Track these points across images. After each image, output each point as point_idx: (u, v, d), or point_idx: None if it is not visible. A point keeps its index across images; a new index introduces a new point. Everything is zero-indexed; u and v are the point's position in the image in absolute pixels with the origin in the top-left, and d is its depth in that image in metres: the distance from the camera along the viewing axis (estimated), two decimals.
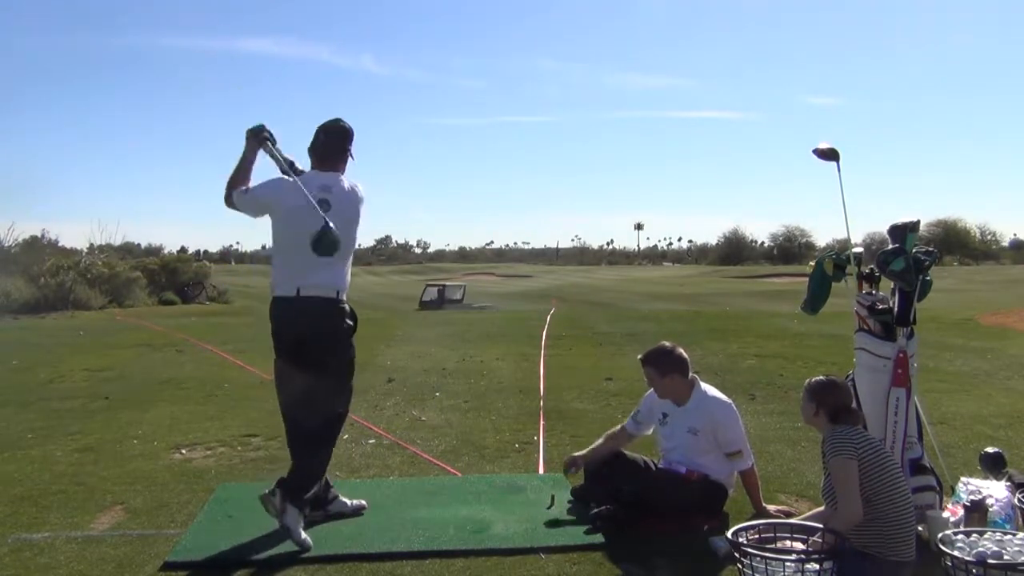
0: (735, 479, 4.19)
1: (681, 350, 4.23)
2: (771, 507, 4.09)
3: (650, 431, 4.42)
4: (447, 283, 36.34)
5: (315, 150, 3.98)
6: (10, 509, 4.31)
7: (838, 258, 4.06)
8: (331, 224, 3.69)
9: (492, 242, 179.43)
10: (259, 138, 3.93)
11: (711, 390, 4.25)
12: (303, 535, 3.65)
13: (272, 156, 3.93)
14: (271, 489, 3.70)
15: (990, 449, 4.23)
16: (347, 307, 3.91)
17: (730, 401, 4.25)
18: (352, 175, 4.03)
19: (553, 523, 4.00)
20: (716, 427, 4.09)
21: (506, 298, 35.79)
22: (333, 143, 3.98)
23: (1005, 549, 2.95)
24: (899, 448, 3.70)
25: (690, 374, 4.22)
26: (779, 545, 3.10)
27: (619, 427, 4.51)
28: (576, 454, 4.47)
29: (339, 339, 3.89)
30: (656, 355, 4.21)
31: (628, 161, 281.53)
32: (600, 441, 4.49)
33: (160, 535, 3.89)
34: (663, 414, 4.28)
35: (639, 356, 4.30)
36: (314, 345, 3.81)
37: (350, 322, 3.92)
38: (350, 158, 4.03)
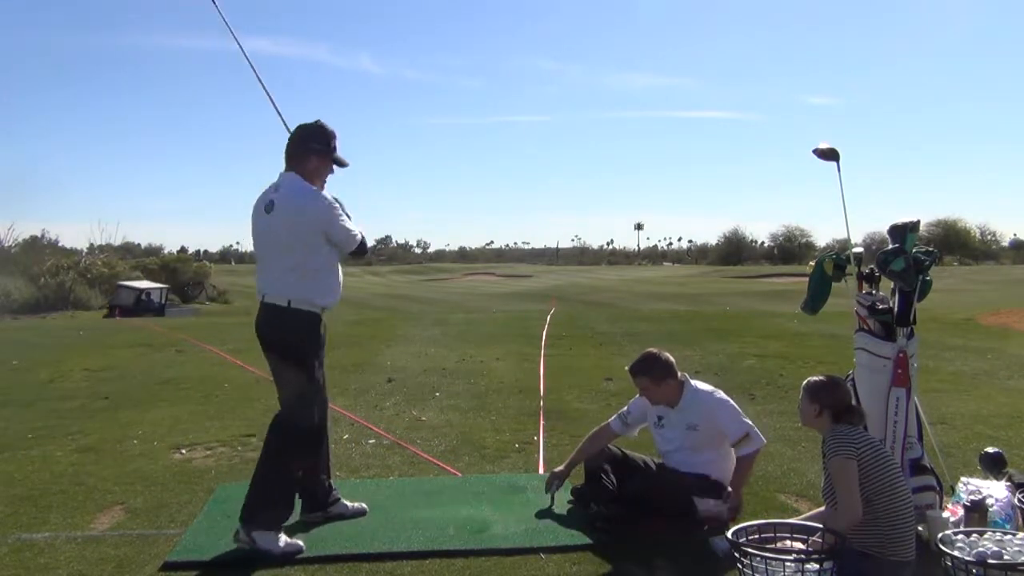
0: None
1: (667, 354, 4.21)
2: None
3: (636, 433, 4.42)
4: (145, 285, 29.89)
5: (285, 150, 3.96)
6: (10, 509, 4.31)
7: (838, 258, 4.05)
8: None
9: (492, 242, 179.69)
10: None
11: (700, 384, 4.26)
12: (283, 546, 3.61)
13: None
14: (238, 527, 3.66)
15: (990, 449, 4.22)
16: (304, 315, 3.75)
17: (717, 390, 4.24)
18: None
19: (553, 523, 4.00)
20: (715, 417, 4.09)
21: (506, 298, 35.76)
22: (297, 141, 3.89)
23: (1005, 549, 2.95)
24: (899, 448, 3.69)
25: (680, 374, 4.22)
26: (779, 545, 3.10)
27: (602, 426, 4.47)
28: (557, 469, 4.38)
29: (287, 349, 3.79)
30: (646, 363, 4.17)
31: (628, 161, 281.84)
32: (582, 444, 4.45)
33: (160, 535, 3.89)
34: (658, 417, 4.26)
35: (627, 368, 4.26)
36: (271, 351, 3.85)
37: (302, 331, 3.77)
38: (336, 166, 3.93)
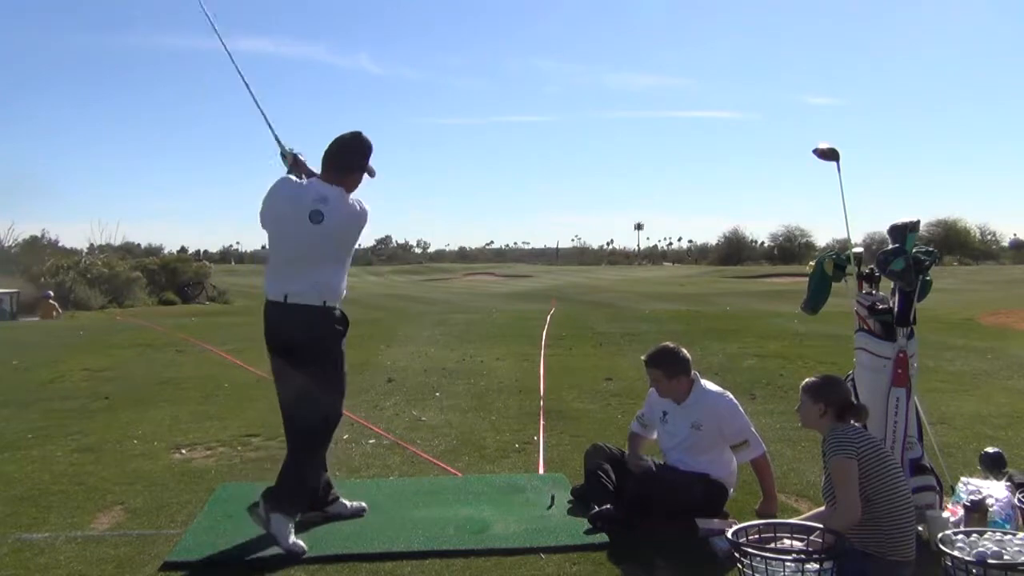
0: (736, 479, 4.20)
1: (684, 350, 4.23)
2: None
3: (655, 435, 4.42)
4: None
5: (325, 158, 3.93)
6: (10, 509, 4.31)
7: (838, 258, 4.06)
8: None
9: (492, 242, 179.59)
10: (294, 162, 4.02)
11: (709, 385, 4.26)
12: (291, 540, 3.63)
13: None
14: (258, 500, 3.71)
15: (990, 449, 4.23)
16: (336, 313, 3.89)
17: (727, 392, 4.25)
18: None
19: (553, 523, 4.00)
20: (720, 420, 4.09)
21: (506, 298, 35.76)
22: (344, 156, 3.91)
23: (1005, 549, 2.95)
24: (899, 448, 3.70)
25: (692, 371, 4.22)
26: (779, 545, 3.10)
27: (630, 434, 4.50)
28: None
29: (324, 346, 3.86)
30: (662, 357, 4.19)
31: (628, 161, 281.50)
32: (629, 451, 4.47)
33: (160, 535, 3.89)
34: (663, 412, 4.27)
35: (643, 357, 4.29)
36: (301, 350, 3.83)
37: (339, 327, 3.89)
38: (366, 175, 3.97)
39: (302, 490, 3.83)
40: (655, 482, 4.12)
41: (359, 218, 3.93)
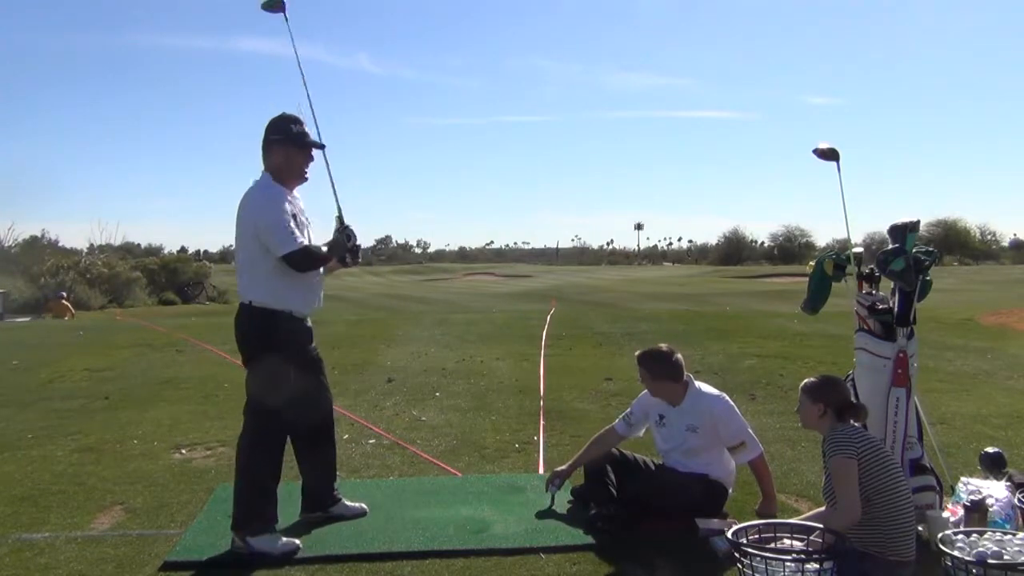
0: (735, 479, 4.20)
1: (679, 355, 4.18)
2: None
3: (641, 432, 4.42)
4: None
5: None
6: (10, 509, 4.31)
7: (838, 258, 4.05)
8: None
9: (492, 242, 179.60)
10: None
11: (705, 387, 4.24)
12: (280, 544, 3.61)
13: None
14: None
15: (990, 449, 4.23)
16: (266, 316, 3.70)
17: (723, 394, 4.23)
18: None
19: (553, 523, 4.01)
20: (716, 422, 4.08)
21: (506, 298, 35.76)
22: (263, 141, 3.80)
23: (1005, 549, 2.95)
24: (899, 448, 3.70)
25: (684, 377, 4.19)
26: (779, 545, 3.10)
27: (607, 429, 4.47)
28: (559, 468, 4.40)
29: (246, 346, 3.77)
30: (651, 358, 4.17)
31: (628, 161, 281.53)
32: (587, 447, 4.45)
33: (160, 535, 3.90)
34: (659, 415, 4.26)
35: (636, 353, 4.29)
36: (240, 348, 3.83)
37: (258, 332, 3.71)
38: (305, 151, 3.80)
39: (255, 504, 3.66)
40: (655, 482, 4.12)
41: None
